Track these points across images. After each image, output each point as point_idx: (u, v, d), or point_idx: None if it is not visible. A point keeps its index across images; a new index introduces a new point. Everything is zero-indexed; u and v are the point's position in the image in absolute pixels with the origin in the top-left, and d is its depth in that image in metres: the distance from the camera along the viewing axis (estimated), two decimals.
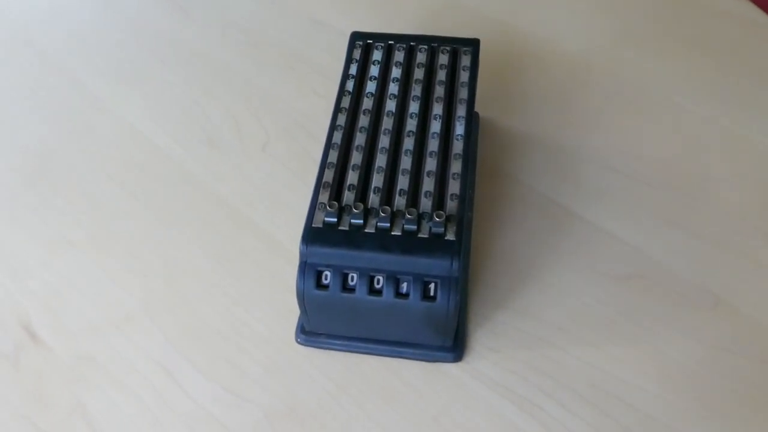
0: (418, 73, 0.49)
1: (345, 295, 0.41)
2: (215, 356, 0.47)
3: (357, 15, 0.69)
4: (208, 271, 0.51)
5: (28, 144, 0.60)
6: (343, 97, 0.48)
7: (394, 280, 0.41)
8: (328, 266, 0.41)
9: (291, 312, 0.48)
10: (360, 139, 0.46)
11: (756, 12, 0.67)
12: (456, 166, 0.44)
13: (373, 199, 0.43)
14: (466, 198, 0.43)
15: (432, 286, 0.41)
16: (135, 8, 0.71)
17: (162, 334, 0.48)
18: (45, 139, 0.60)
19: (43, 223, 0.54)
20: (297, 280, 0.42)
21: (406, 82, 0.49)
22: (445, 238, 0.41)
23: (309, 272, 0.42)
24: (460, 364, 0.46)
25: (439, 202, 0.43)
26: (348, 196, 0.43)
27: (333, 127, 0.46)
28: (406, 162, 0.44)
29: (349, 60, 0.50)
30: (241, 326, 0.48)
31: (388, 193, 0.43)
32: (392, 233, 0.41)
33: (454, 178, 0.44)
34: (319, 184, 0.43)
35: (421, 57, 0.50)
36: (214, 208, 0.55)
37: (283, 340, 0.47)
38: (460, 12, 0.69)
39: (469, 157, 0.45)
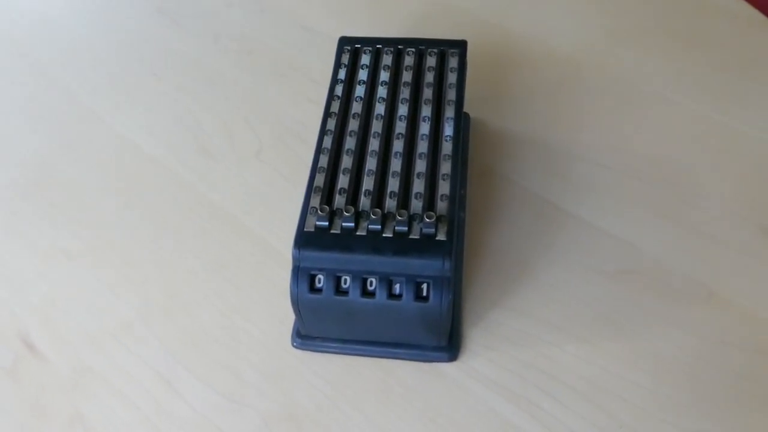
0: (406, 76, 0.49)
1: (338, 298, 0.42)
2: (212, 363, 0.47)
3: (346, 21, 0.69)
4: (204, 278, 0.51)
5: (23, 156, 0.60)
6: (333, 101, 0.48)
7: (386, 281, 0.41)
8: (321, 270, 0.42)
9: (287, 316, 0.48)
10: (350, 142, 0.46)
11: (746, 7, 0.67)
12: (445, 167, 0.44)
13: (364, 202, 0.43)
14: (456, 198, 0.43)
15: (424, 286, 0.41)
16: (126, 19, 0.72)
17: (159, 342, 0.48)
18: (39, 151, 0.61)
19: (40, 235, 0.55)
20: (290, 285, 0.42)
21: (394, 85, 0.49)
22: (436, 238, 0.41)
23: (302, 276, 0.42)
24: (455, 363, 0.46)
25: (429, 203, 0.43)
26: (339, 200, 0.43)
27: (323, 131, 0.47)
28: (395, 164, 0.45)
29: (337, 65, 0.50)
30: (238, 332, 0.49)
31: (378, 195, 0.43)
32: (384, 235, 0.42)
33: (443, 179, 0.44)
34: (310, 189, 0.44)
35: (408, 60, 0.50)
36: (208, 216, 0.55)
37: (279, 344, 0.48)
38: (449, 14, 0.69)
39: (459, 158, 0.45)
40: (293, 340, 0.47)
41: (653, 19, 0.67)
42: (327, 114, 0.48)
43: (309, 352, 0.47)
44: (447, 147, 0.45)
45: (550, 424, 0.43)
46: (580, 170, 0.56)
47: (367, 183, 0.44)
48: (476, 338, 0.47)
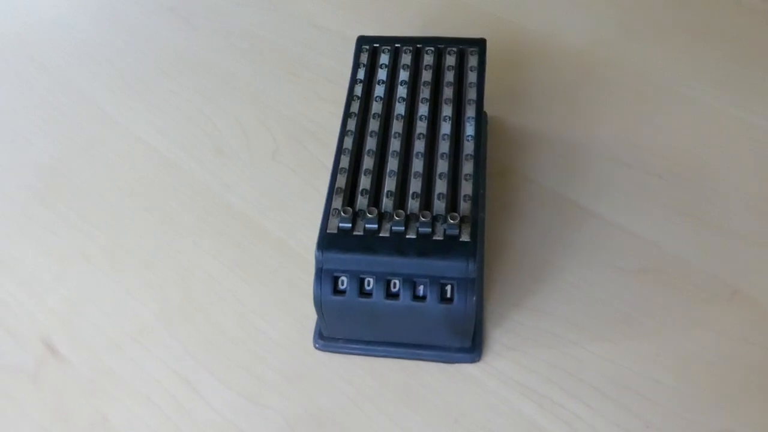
0: (426, 76, 0.49)
1: (362, 299, 0.41)
2: (234, 365, 0.47)
3: (359, 19, 0.69)
4: (223, 280, 0.51)
5: (39, 160, 0.60)
6: (353, 101, 0.48)
7: (410, 283, 0.41)
8: (344, 272, 0.42)
9: (306, 318, 0.48)
10: (371, 143, 0.46)
11: (762, 1, 0.67)
12: (467, 167, 0.44)
13: (387, 203, 0.43)
14: (479, 199, 0.43)
15: (449, 288, 0.41)
16: (139, 21, 0.72)
17: (180, 344, 0.48)
18: (55, 155, 0.60)
19: (58, 239, 0.55)
20: (314, 287, 0.42)
21: (414, 84, 0.49)
22: (460, 239, 0.41)
23: (326, 278, 0.42)
24: (479, 364, 0.46)
25: (452, 204, 0.43)
26: (361, 201, 0.43)
27: (343, 132, 0.46)
28: (417, 165, 0.44)
29: (356, 64, 0.50)
30: (258, 334, 0.48)
31: (401, 196, 0.43)
32: (407, 237, 0.41)
33: (466, 179, 0.44)
34: (332, 190, 0.44)
35: (428, 59, 0.50)
36: (226, 217, 0.55)
37: (300, 346, 0.48)
38: (464, 11, 0.69)
39: (481, 158, 0.45)
40: (315, 342, 0.47)
41: (670, 13, 0.67)
42: (347, 114, 0.47)
43: (331, 354, 0.47)
44: (468, 147, 0.45)
45: (575, 424, 0.43)
46: (599, 167, 0.55)
47: (389, 184, 0.44)
48: (499, 338, 0.47)
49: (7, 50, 0.70)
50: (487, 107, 0.57)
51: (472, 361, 0.45)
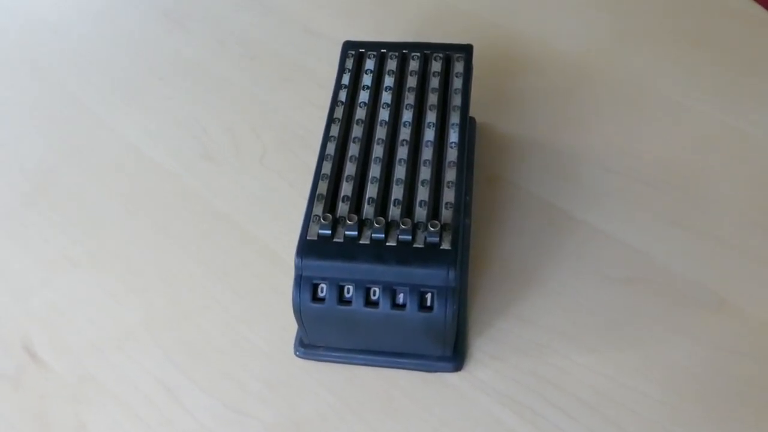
0: (411, 81, 0.49)
1: (341, 307, 0.41)
2: (216, 372, 0.47)
3: (353, 24, 0.69)
4: (208, 287, 0.51)
5: (28, 162, 0.60)
6: (336, 107, 0.48)
7: (390, 291, 0.41)
8: (323, 279, 0.41)
9: (291, 325, 0.47)
10: (354, 149, 0.45)
11: (756, 8, 0.66)
12: (450, 174, 0.44)
13: (368, 210, 0.42)
14: (461, 206, 0.42)
15: (429, 296, 0.40)
16: (132, 24, 0.72)
17: (162, 351, 0.48)
18: (44, 157, 0.60)
19: (43, 242, 0.54)
20: (293, 294, 0.42)
21: (399, 90, 0.48)
22: (441, 247, 0.41)
23: (305, 285, 0.41)
24: (460, 373, 0.45)
25: (434, 212, 0.42)
26: (342, 208, 0.43)
27: (326, 138, 0.46)
28: (400, 171, 0.44)
29: (341, 70, 0.50)
30: (242, 341, 0.48)
31: (382, 203, 0.43)
32: (387, 244, 0.41)
33: (448, 187, 0.43)
34: (313, 196, 0.43)
35: (413, 65, 0.50)
36: (212, 223, 0.55)
37: (283, 353, 0.47)
38: (456, 17, 0.68)
39: (465, 165, 0.45)
40: (296, 350, 0.47)
41: (662, 20, 0.66)
42: (330, 120, 0.47)
43: (312, 362, 0.46)
44: (452, 154, 0.45)
45: None
46: (589, 175, 0.55)
47: (371, 191, 0.43)
48: (482, 347, 0.46)
49: (1, 52, 0.70)
50: (477, 113, 0.57)
51: (454, 370, 0.45)
